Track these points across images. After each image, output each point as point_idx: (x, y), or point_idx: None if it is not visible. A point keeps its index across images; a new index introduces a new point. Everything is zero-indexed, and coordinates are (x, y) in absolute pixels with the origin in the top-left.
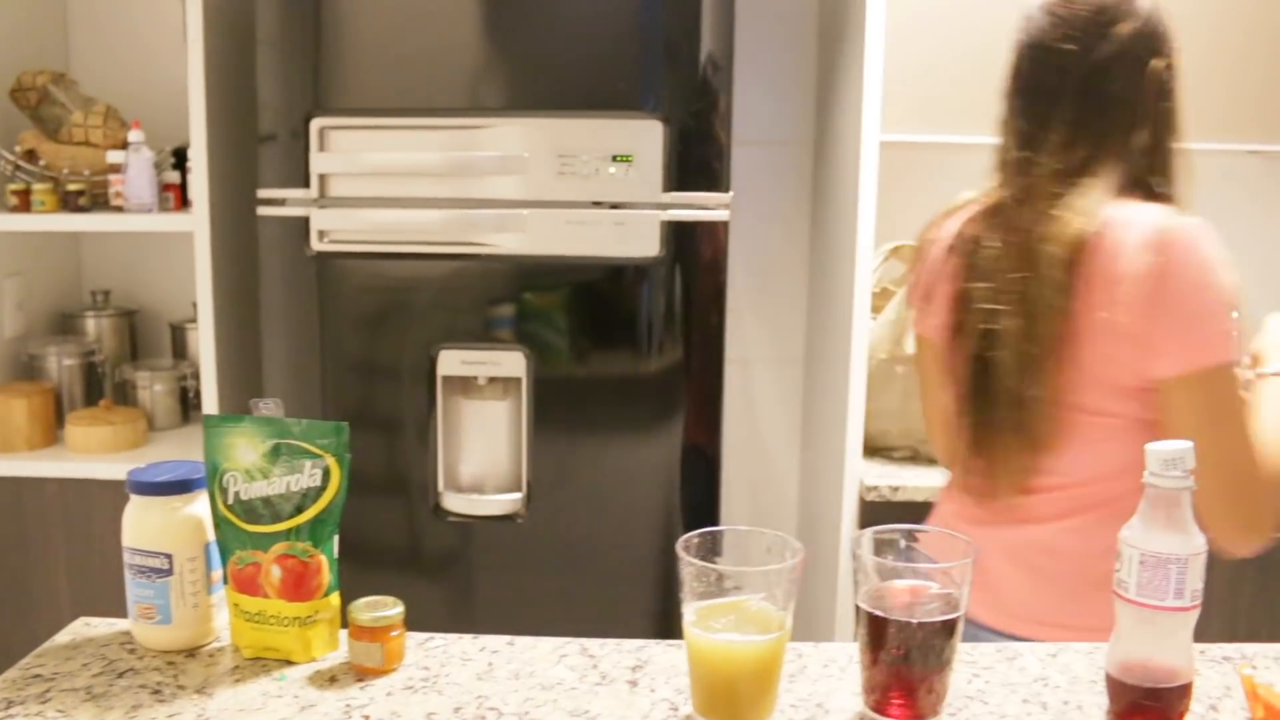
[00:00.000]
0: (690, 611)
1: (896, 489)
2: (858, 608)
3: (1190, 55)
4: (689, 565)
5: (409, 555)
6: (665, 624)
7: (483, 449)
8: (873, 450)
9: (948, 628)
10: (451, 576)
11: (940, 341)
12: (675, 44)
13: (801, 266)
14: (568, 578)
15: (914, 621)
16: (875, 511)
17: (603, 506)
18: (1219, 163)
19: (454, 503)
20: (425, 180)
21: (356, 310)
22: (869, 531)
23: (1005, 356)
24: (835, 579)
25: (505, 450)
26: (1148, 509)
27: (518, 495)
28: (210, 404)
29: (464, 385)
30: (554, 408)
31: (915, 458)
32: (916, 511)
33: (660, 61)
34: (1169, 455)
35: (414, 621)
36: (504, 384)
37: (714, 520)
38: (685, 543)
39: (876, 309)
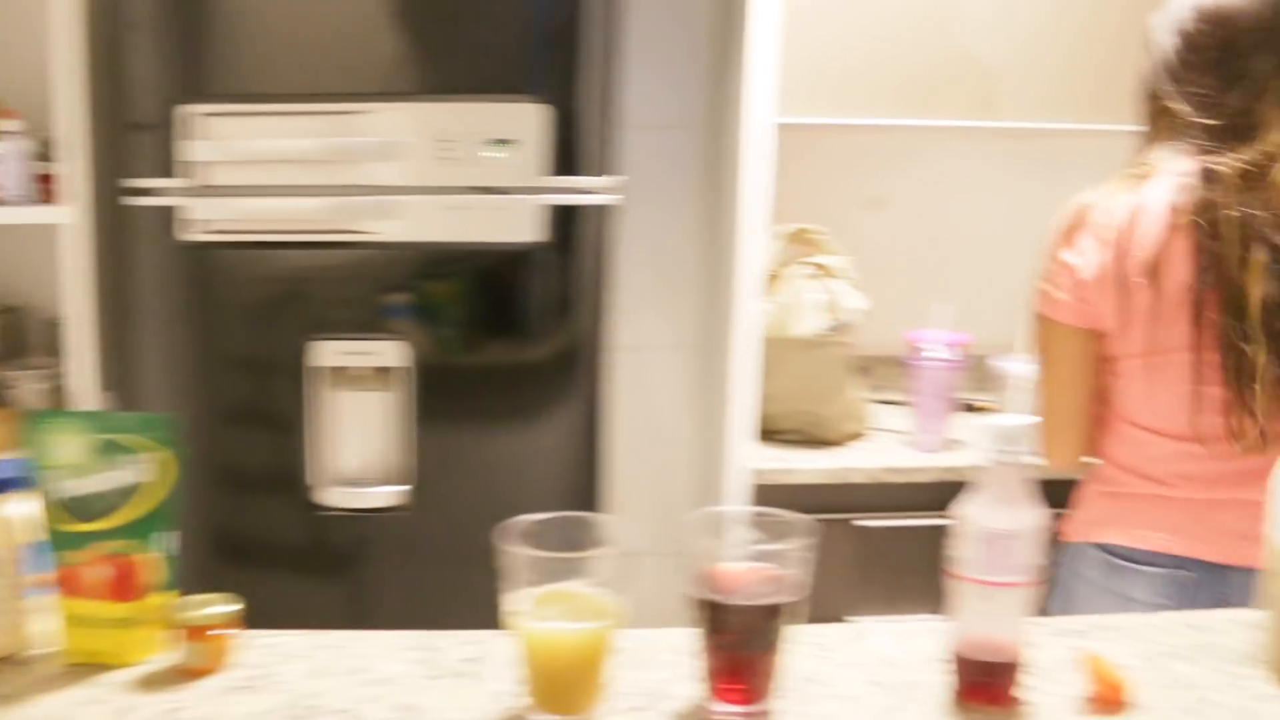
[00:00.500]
0: (518, 600)
1: (788, 472)
2: (688, 593)
3: (1029, 35)
4: (515, 554)
5: (294, 552)
6: None
7: (365, 442)
8: (766, 434)
9: (773, 611)
10: (339, 572)
11: (1162, 316)
12: (558, 26)
13: (697, 251)
14: (456, 569)
15: (738, 604)
16: (767, 495)
17: (490, 497)
18: (1058, 141)
19: (337, 497)
20: (301, 167)
21: (232, 302)
22: (699, 513)
23: None
24: None
25: (389, 442)
26: (986, 485)
27: (402, 488)
28: (84, 402)
29: (345, 376)
30: (438, 398)
31: (807, 441)
32: (808, 495)
33: (542, 44)
34: (1008, 431)
35: (301, 619)
36: (386, 374)
37: (596, 508)
38: (506, 530)
39: (769, 291)
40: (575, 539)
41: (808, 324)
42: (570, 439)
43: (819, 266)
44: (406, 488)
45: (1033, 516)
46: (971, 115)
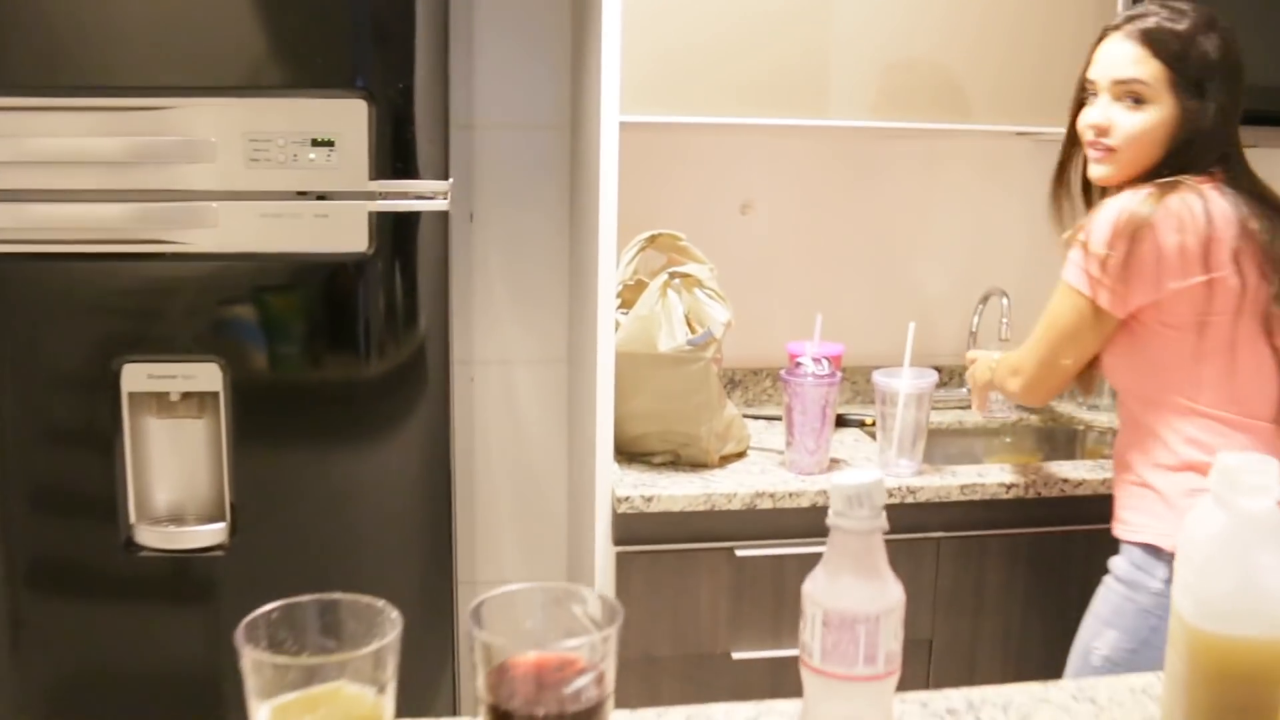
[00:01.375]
0: (263, 712)
1: (650, 499)
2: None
3: (963, 37)
4: (252, 657)
5: (107, 592)
6: None
7: (180, 474)
8: (632, 456)
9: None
10: (152, 617)
11: (1243, 308)
12: (384, 16)
13: (562, 259)
14: None
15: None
16: (630, 524)
17: (322, 530)
18: (989, 143)
19: (148, 536)
20: (100, 170)
21: (25, 320)
22: (493, 596)
23: None
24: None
25: (205, 475)
26: (832, 556)
27: (220, 525)
28: None
29: (155, 402)
30: (259, 424)
31: (676, 462)
32: (681, 523)
33: (367, 35)
34: (853, 491)
35: (116, 666)
36: (200, 399)
37: (450, 536)
38: (250, 628)
39: (629, 303)
40: (341, 627)
41: (670, 338)
42: (416, 463)
43: (682, 276)
44: (226, 525)
45: (889, 595)
46: (838, 115)
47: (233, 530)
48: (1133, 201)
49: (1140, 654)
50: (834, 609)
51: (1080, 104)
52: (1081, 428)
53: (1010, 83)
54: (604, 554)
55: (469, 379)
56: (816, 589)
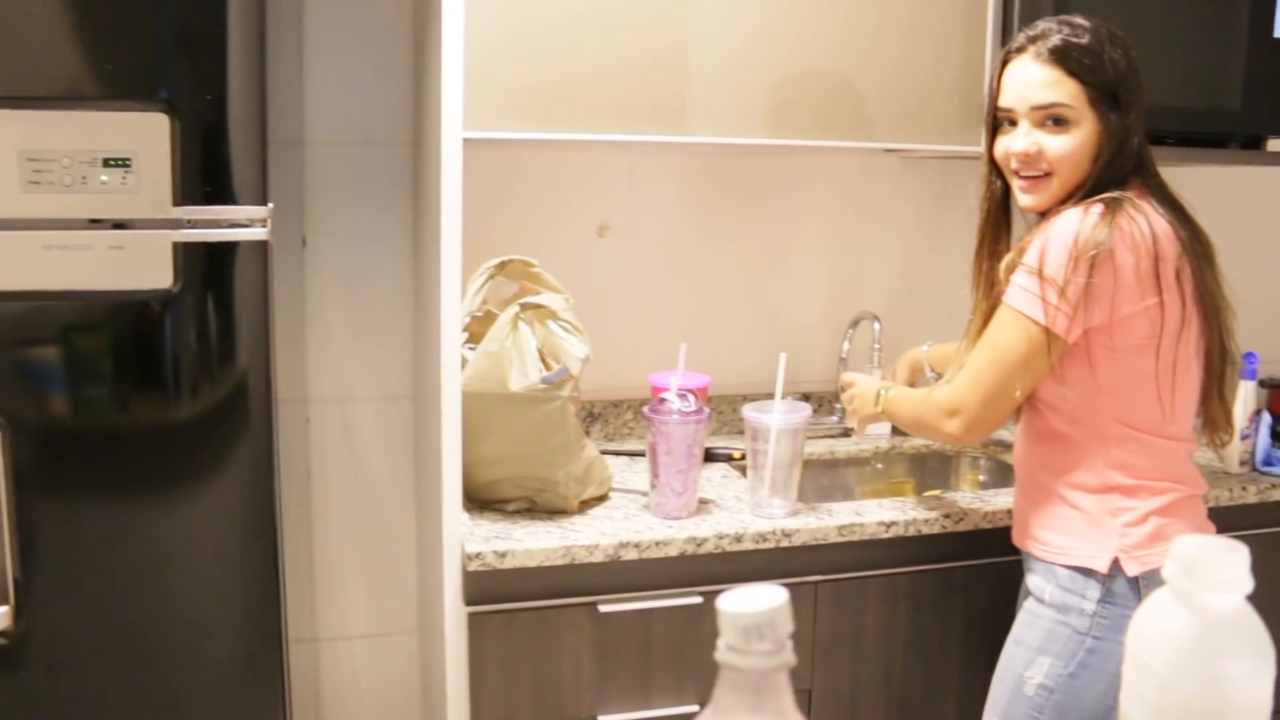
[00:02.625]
0: None
1: (503, 554)
2: None
3: (829, 51)
4: None
5: None
6: None
7: None
8: (484, 504)
9: None
10: None
11: (1182, 328)
12: (187, 17)
13: (405, 287)
14: (87, 706)
15: None
16: (482, 582)
17: (129, 601)
18: (856, 160)
19: None
20: None
21: None
22: None
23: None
24: (442, 669)
25: None
26: (723, 698)
27: (2, 609)
28: None
29: None
30: (49, 488)
31: (532, 509)
32: (538, 578)
33: (166, 38)
34: (751, 621)
35: None
36: None
37: (278, 595)
38: None
39: (477, 336)
40: None
41: (523, 376)
42: (237, 516)
43: (534, 308)
44: (9, 608)
45: None
46: (699, 131)
47: (18, 613)
48: (1086, 225)
49: (1079, 677)
50: None
51: (994, 133)
52: (953, 452)
53: (878, 98)
54: (454, 616)
55: (304, 420)
56: None
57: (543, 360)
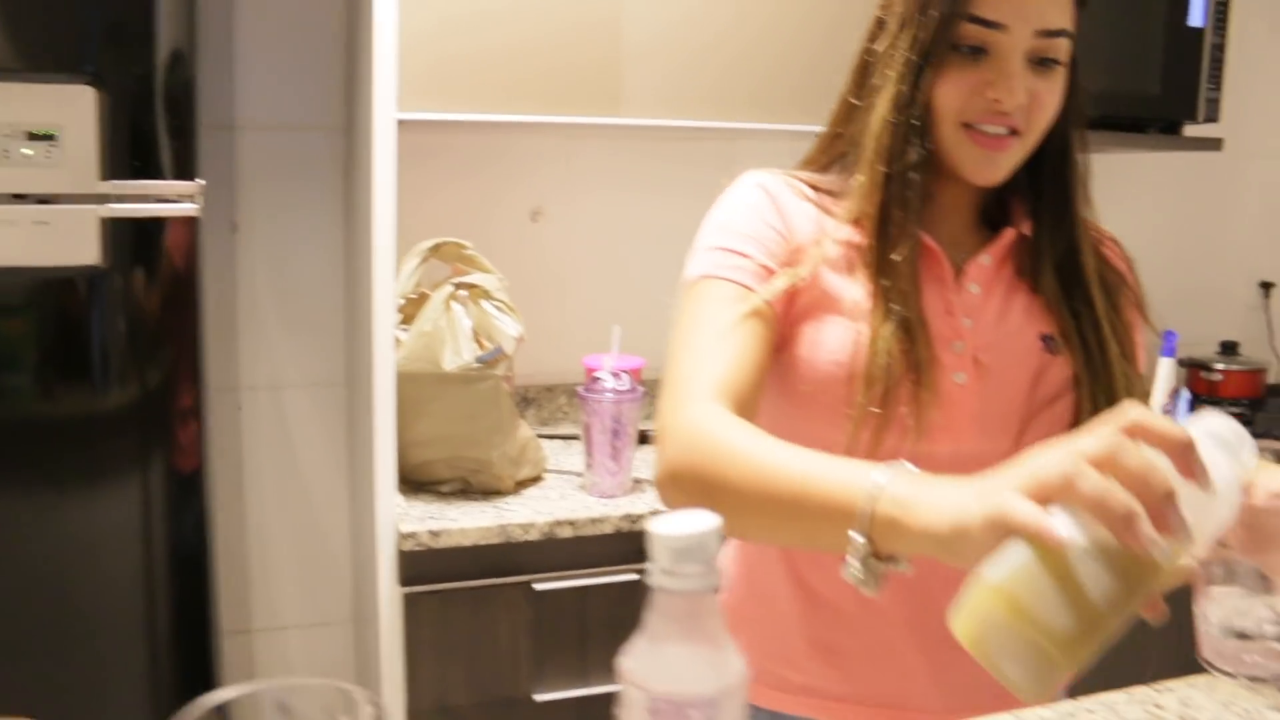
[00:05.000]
0: None
1: (437, 533)
2: None
3: (766, 31)
4: None
5: None
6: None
7: None
8: (419, 485)
9: None
10: None
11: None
12: None
13: (337, 273)
14: (7, 698)
15: None
16: (417, 562)
17: (49, 597)
18: (793, 144)
19: None
20: None
21: None
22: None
23: None
24: (377, 655)
25: None
26: (655, 624)
27: None
28: None
29: None
30: None
31: (467, 490)
32: (473, 557)
33: (92, 9)
34: (682, 543)
35: None
36: None
37: (205, 586)
38: None
39: (410, 319)
40: None
41: (456, 355)
42: (165, 506)
43: (468, 287)
44: None
45: (729, 670)
46: (633, 113)
47: None
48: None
49: None
50: (661, 692)
51: (917, 73)
52: None
53: (818, 79)
54: (389, 596)
55: (235, 407)
56: (638, 667)
57: (476, 340)
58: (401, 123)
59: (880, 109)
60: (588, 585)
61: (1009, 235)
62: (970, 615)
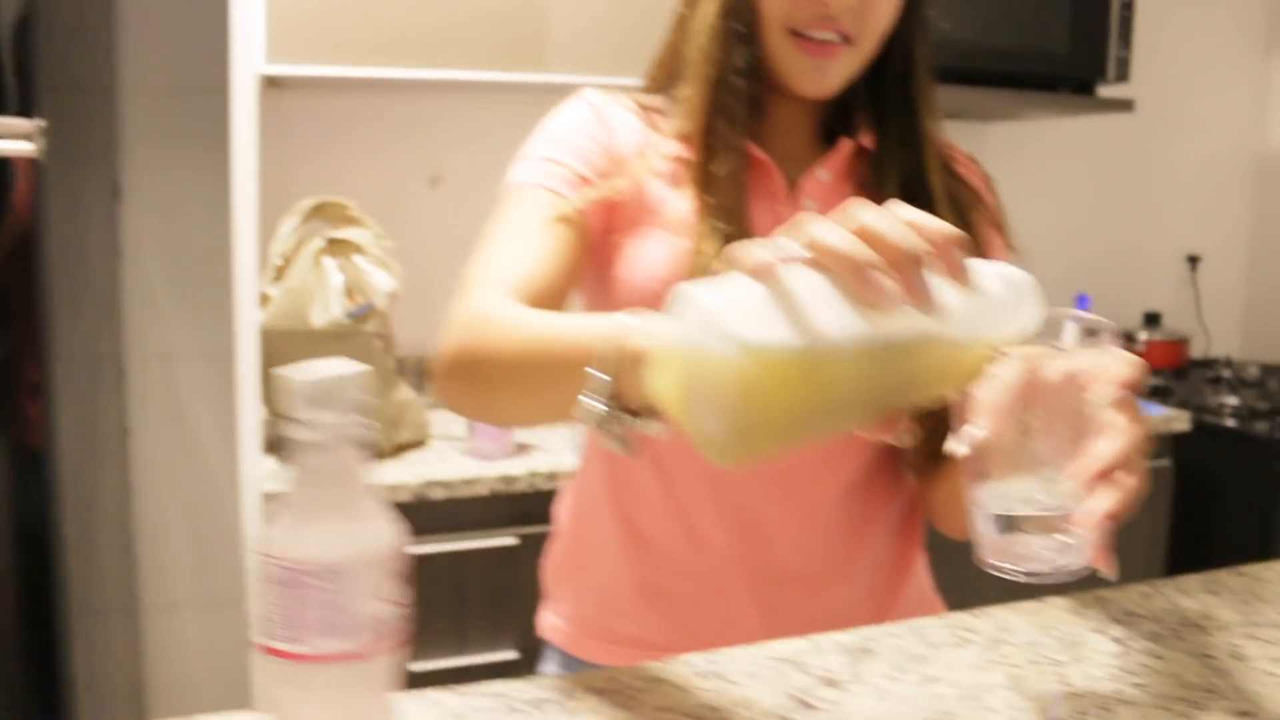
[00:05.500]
0: None
1: None
2: None
3: None
4: None
5: None
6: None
7: None
8: None
9: None
10: None
11: None
12: None
13: (224, 241)
14: None
15: None
16: None
17: None
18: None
19: None
20: None
21: None
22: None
23: None
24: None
25: None
26: (293, 486)
27: None
28: None
29: None
30: None
31: None
32: None
33: None
34: (313, 388)
35: None
36: None
37: (51, 566)
38: None
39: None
40: None
41: (325, 310)
42: (3, 482)
43: (339, 243)
44: None
45: (367, 536)
46: (554, 69)
47: None
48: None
49: None
50: (288, 558)
51: None
52: None
53: None
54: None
55: (118, 376)
56: (269, 535)
57: (350, 297)
58: (284, 80)
59: (705, 15)
60: (465, 550)
61: (846, 147)
62: (674, 356)
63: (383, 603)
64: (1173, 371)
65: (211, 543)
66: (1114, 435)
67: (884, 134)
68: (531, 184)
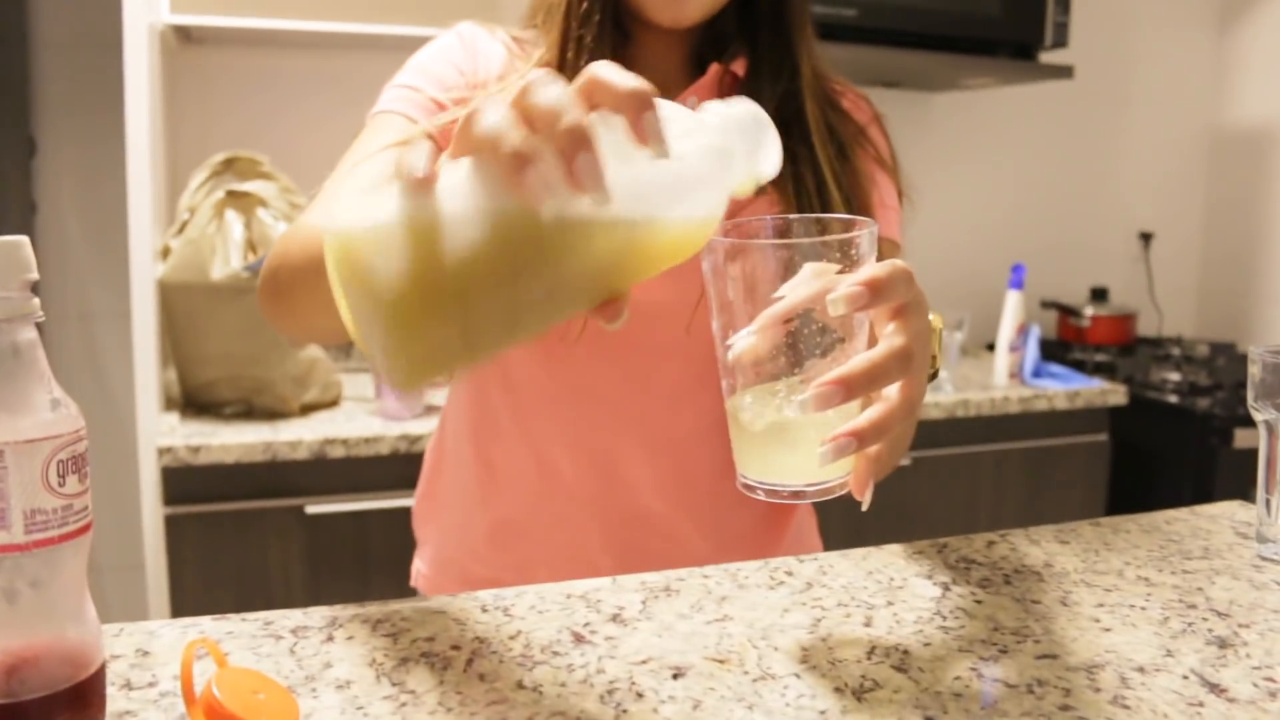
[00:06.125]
0: None
1: (197, 449)
2: None
3: None
4: None
5: None
6: None
7: None
8: (203, 407)
9: None
10: None
11: None
12: None
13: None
14: None
15: None
16: (179, 481)
17: None
18: None
19: None
20: None
21: None
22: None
23: None
24: (142, 567)
25: None
26: None
27: None
28: None
29: None
30: None
31: (251, 413)
32: (242, 477)
33: None
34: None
35: None
36: None
37: None
38: None
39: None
40: None
41: (224, 265)
42: None
43: (241, 195)
44: None
45: (25, 421)
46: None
47: None
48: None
49: None
50: None
51: None
52: None
53: None
54: (152, 517)
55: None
56: None
57: (253, 250)
58: (200, 34)
59: None
60: (367, 509)
61: (714, 72)
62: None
63: (51, 494)
64: (1119, 348)
65: (127, 507)
66: (876, 347)
67: (756, 61)
68: (387, 111)
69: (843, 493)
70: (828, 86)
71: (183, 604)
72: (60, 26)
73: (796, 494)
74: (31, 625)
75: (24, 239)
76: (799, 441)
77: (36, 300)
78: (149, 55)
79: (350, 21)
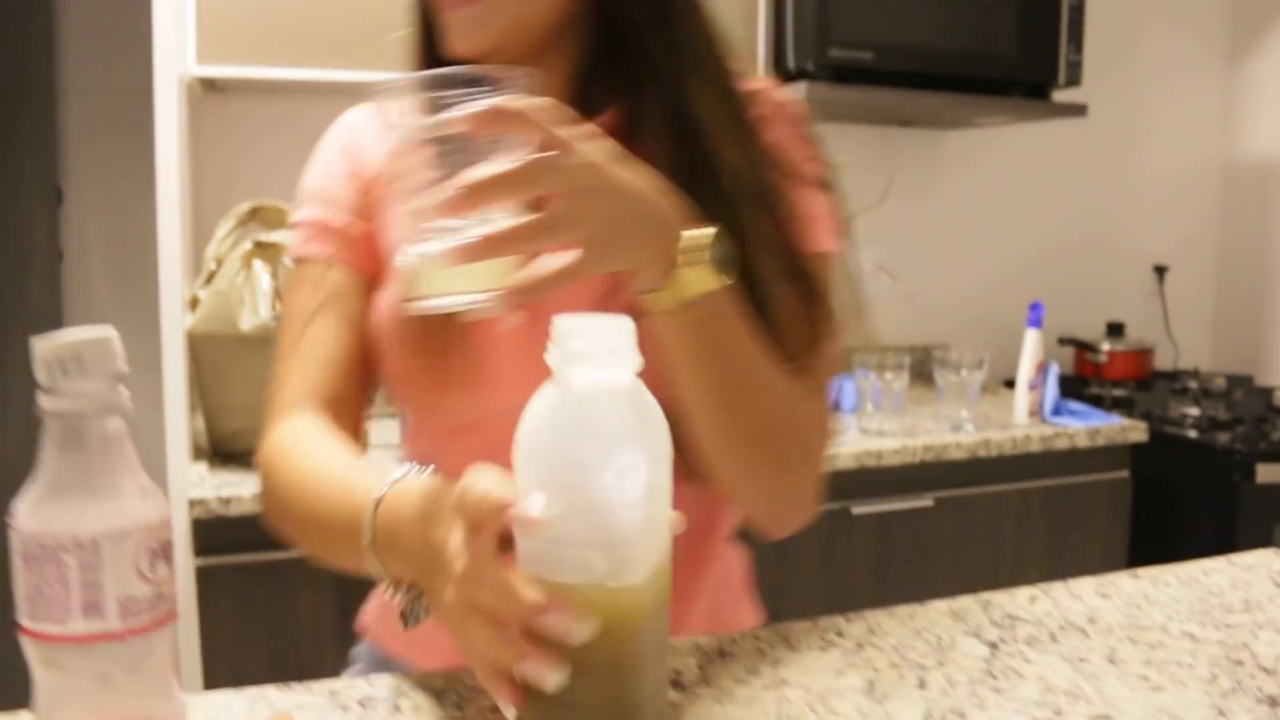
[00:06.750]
0: None
1: (228, 500)
2: None
3: None
4: None
5: None
6: None
7: None
8: (230, 457)
9: None
10: None
11: None
12: None
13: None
14: None
15: None
16: (210, 533)
17: None
18: None
19: None
20: None
21: None
22: None
23: None
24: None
25: None
26: (44, 457)
27: None
28: None
29: None
30: None
31: None
32: (261, 530)
33: None
34: (61, 352)
35: None
36: None
37: None
38: None
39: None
40: None
41: (253, 315)
42: None
43: (268, 246)
44: None
45: (123, 510)
46: None
47: None
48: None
49: None
50: (34, 532)
51: None
52: None
53: None
54: (183, 568)
55: None
56: (19, 508)
57: (279, 300)
58: (223, 83)
59: None
60: None
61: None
62: None
63: (142, 581)
64: (1137, 383)
65: None
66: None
67: (639, 97)
68: (300, 258)
69: (488, 306)
70: (745, 99)
71: (215, 655)
72: (88, 77)
73: (459, 303)
74: (123, 708)
75: (112, 333)
76: (455, 258)
77: (126, 392)
78: (178, 106)
79: (370, 70)
